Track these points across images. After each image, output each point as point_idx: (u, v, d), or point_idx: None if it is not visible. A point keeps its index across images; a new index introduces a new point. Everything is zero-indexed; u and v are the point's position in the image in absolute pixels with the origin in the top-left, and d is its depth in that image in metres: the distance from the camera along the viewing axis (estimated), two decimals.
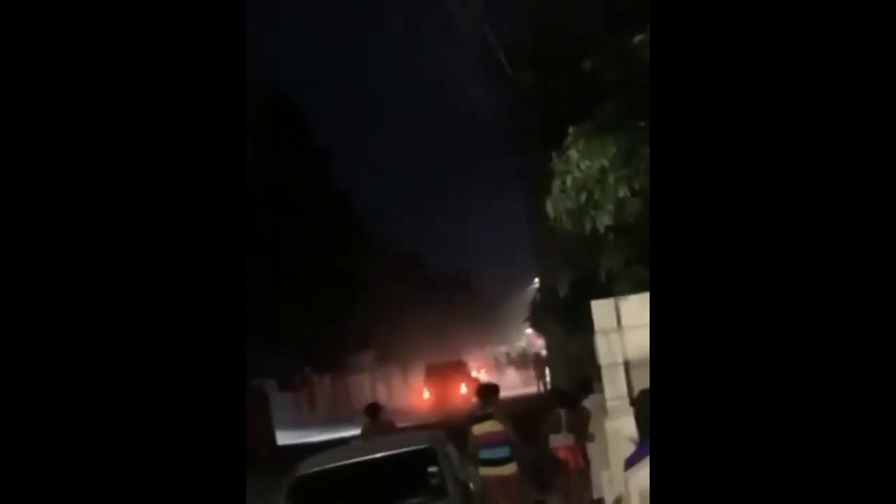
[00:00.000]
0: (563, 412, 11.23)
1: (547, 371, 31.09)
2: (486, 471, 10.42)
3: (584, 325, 11.96)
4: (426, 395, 39.88)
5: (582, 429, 10.67)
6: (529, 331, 50.12)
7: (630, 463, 6.02)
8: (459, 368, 42.20)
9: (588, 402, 10.86)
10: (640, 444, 6.36)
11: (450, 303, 54.62)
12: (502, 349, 57.16)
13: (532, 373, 39.28)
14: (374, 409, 13.92)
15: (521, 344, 58.63)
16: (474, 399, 12.14)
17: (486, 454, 10.56)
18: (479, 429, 10.70)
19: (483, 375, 43.37)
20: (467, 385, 36.56)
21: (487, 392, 11.41)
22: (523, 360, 46.36)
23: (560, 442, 10.98)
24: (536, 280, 31.31)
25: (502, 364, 49.09)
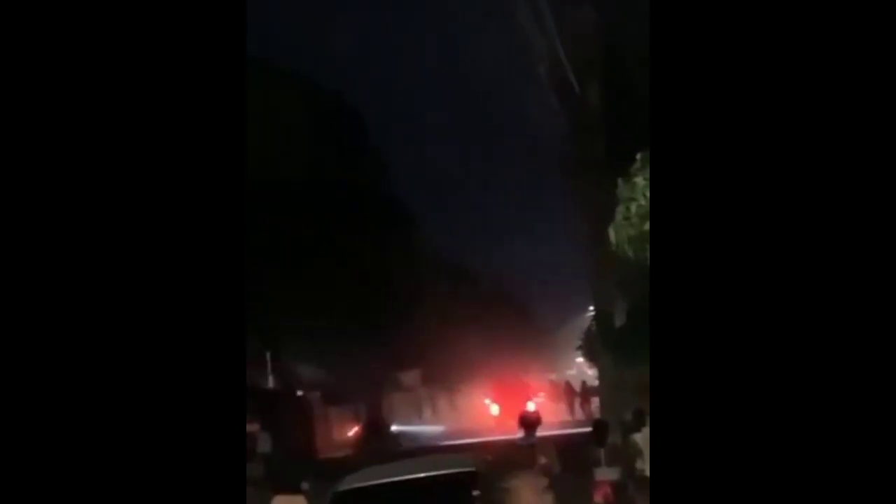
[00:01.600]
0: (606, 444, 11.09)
1: (596, 401, 30.88)
2: None
3: (639, 356, 11.75)
4: (495, 410, 40.01)
5: (630, 462, 10.46)
6: (580, 359, 49.91)
7: None
8: (525, 387, 43.49)
9: (640, 436, 10.63)
10: None
11: (501, 325, 54.43)
12: (552, 377, 56.90)
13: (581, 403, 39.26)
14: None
15: (572, 372, 58.37)
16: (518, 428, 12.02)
17: None
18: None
19: (542, 399, 44.00)
20: (535, 403, 37.67)
21: (529, 423, 11.27)
22: (574, 390, 46.12)
23: (604, 475, 10.77)
24: (591, 308, 31.09)
25: (561, 390, 48.86)
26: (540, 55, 22.83)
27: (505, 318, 56.20)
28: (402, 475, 9.39)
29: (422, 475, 9.30)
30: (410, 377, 44.35)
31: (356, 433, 31.99)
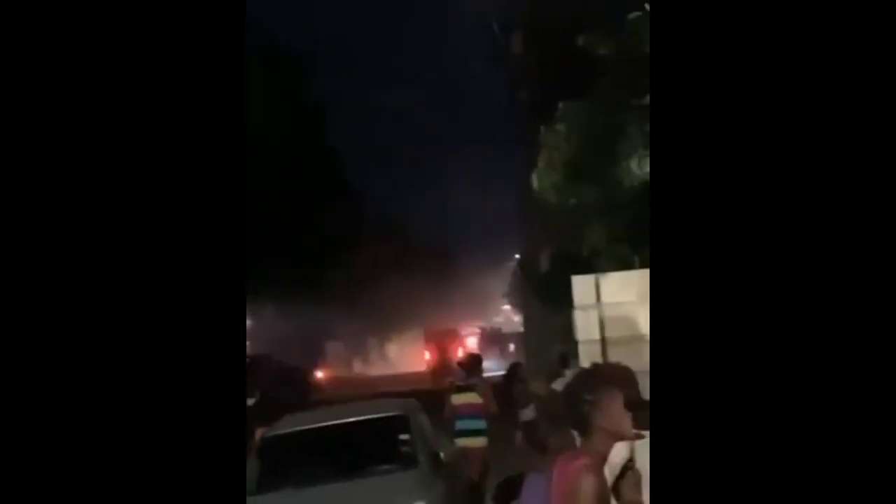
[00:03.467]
0: (530, 388, 11.19)
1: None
2: (458, 441, 10.43)
3: (563, 302, 11.93)
4: (427, 356, 41.61)
5: (546, 403, 10.62)
6: (507, 307, 50.15)
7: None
8: (455, 335, 44.49)
9: (558, 383, 10.83)
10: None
11: (430, 274, 54.48)
12: (480, 324, 57.12)
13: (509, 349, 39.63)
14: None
15: (499, 319, 58.65)
16: (458, 368, 12.15)
17: (461, 425, 10.56)
18: (458, 398, 10.70)
19: (473, 343, 44.43)
20: (464, 349, 38.21)
21: (473, 362, 11.38)
22: (499, 336, 46.49)
23: (529, 416, 10.95)
24: (517, 256, 31.28)
25: (489, 337, 49.13)
26: (466, 4, 22.76)
27: (434, 267, 56.25)
28: (332, 420, 9.47)
29: (352, 419, 9.37)
30: (342, 326, 44.28)
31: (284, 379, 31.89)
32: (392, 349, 51.63)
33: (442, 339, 43.30)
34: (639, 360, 7.27)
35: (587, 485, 4.21)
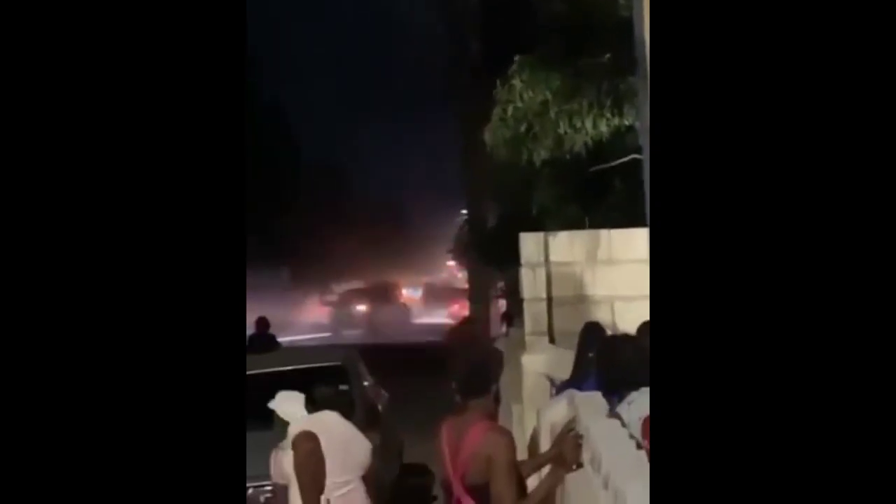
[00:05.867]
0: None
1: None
2: None
3: (509, 260, 11.91)
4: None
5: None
6: (451, 263, 50.27)
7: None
8: (394, 289, 44.75)
9: (501, 343, 10.83)
10: (565, 381, 6.30)
11: (375, 228, 54.38)
12: (425, 279, 57.24)
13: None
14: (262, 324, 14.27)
15: (443, 275, 58.80)
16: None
17: None
18: None
19: (416, 295, 45.16)
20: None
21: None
22: (444, 292, 46.72)
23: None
24: (464, 211, 31.24)
25: (435, 292, 49.35)
26: None
27: (379, 221, 56.17)
28: (270, 367, 9.42)
29: (290, 368, 9.34)
30: (282, 276, 44.12)
31: None
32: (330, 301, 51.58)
33: (383, 293, 43.61)
34: (583, 321, 7.27)
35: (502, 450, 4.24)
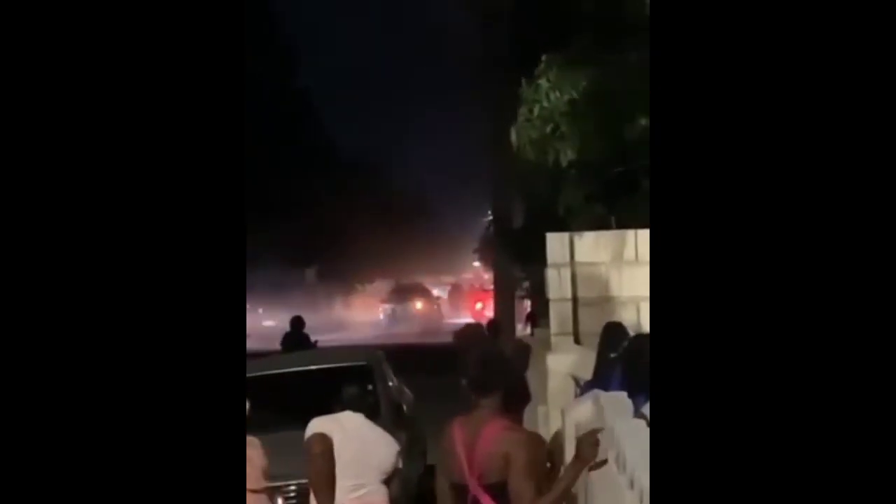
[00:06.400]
0: (502, 345, 11.30)
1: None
2: None
3: (535, 260, 11.87)
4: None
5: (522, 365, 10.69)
6: (477, 263, 50.25)
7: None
8: (422, 289, 46.27)
9: (530, 341, 10.82)
10: (589, 381, 6.28)
11: (401, 226, 54.35)
12: (449, 279, 57.23)
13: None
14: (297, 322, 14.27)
15: (468, 276, 58.76)
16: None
17: None
18: None
19: (444, 294, 45.61)
20: (422, 303, 40.03)
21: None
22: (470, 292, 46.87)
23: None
24: (489, 212, 31.19)
25: (459, 293, 49.52)
26: None
27: (405, 219, 56.14)
28: (297, 366, 9.46)
29: (315, 367, 9.39)
30: (308, 274, 44.26)
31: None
32: (356, 300, 51.62)
33: (411, 293, 44.01)
34: (608, 321, 7.23)
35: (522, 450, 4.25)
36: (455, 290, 50.89)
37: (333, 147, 36.71)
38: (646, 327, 7.55)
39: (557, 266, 8.97)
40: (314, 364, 9.50)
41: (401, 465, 5.99)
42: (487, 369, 4.49)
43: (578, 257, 8.93)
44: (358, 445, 5.64)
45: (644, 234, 8.75)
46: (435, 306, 44.62)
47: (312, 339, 14.72)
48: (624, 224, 9.78)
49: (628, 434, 3.78)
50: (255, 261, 33.60)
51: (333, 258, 45.91)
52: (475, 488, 4.30)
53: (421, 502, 8.76)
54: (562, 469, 4.56)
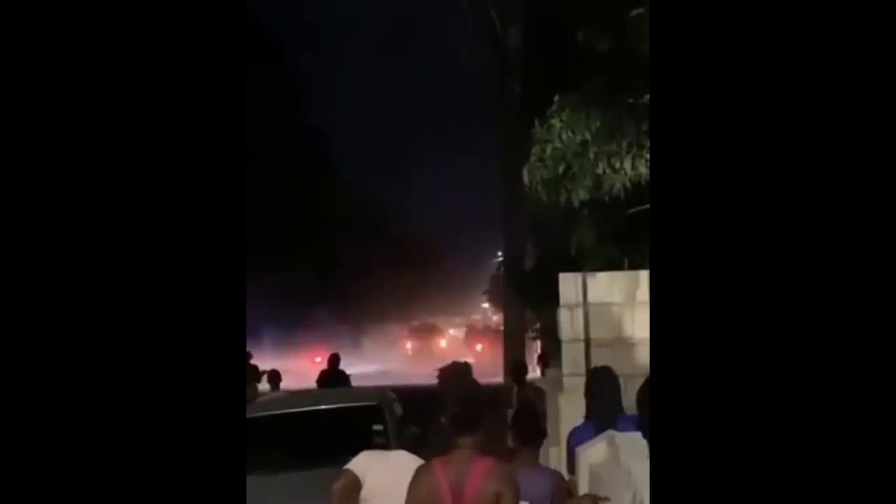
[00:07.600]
0: (515, 389, 11.30)
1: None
2: None
3: (546, 300, 11.82)
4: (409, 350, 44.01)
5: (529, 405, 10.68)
6: (486, 305, 50.23)
7: (576, 440, 5.90)
8: (436, 330, 47.46)
9: (541, 382, 10.79)
10: (585, 422, 6.25)
11: (412, 267, 54.38)
12: (458, 320, 57.13)
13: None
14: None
15: (477, 317, 58.70)
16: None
17: None
18: None
19: (460, 334, 45.92)
20: (446, 341, 40.49)
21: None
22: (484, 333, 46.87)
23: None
24: (500, 253, 31.21)
25: (476, 331, 49.51)
26: None
27: (415, 259, 56.20)
28: (306, 406, 9.44)
29: (325, 407, 9.36)
30: (320, 314, 44.30)
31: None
32: (367, 341, 51.57)
33: (425, 334, 44.36)
34: (623, 362, 7.18)
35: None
36: (471, 330, 50.97)
37: (349, 191, 36.91)
38: None
39: (570, 306, 8.92)
40: (323, 404, 9.47)
41: None
42: (469, 407, 4.45)
43: (591, 298, 8.89)
44: (386, 485, 5.63)
45: None
46: (456, 346, 45.08)
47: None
48: (636, 265, 9.75)
49: (645, 474, 3.73)
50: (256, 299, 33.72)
51: (344, 300, 45.99)
52: None
53: None
54: None
